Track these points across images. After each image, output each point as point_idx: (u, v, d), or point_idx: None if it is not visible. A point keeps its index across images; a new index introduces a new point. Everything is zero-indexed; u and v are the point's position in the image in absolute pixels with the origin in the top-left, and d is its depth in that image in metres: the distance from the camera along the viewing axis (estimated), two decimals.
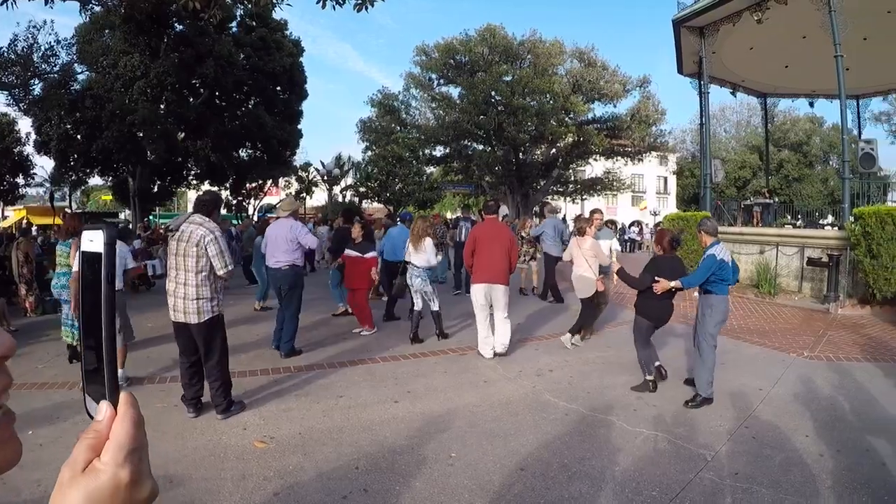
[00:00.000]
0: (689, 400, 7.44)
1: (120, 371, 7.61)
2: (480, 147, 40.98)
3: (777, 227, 21.50)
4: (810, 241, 16.68)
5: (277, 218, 10.22)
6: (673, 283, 7.76)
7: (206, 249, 6.30)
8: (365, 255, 11.01)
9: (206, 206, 6.68)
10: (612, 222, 18.25)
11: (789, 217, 26.58)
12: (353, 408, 6.92)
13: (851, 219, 14.74)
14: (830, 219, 21.88)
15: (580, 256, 10.40)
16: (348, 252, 11.16)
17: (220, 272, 6.43)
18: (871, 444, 6.22)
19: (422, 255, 10.15)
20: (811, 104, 30.04)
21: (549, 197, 42.81)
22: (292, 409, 6.86)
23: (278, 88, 34.00)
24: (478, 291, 9.51)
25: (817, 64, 21.00)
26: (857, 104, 27.98)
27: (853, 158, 17.52)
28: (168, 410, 6.69)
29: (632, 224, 53.89)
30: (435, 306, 10.44)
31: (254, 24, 31.64)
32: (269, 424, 6.33)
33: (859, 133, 27.94)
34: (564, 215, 45.72)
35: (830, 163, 62.01)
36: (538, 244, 15.80)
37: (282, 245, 9.33)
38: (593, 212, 11.43)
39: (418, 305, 10.38)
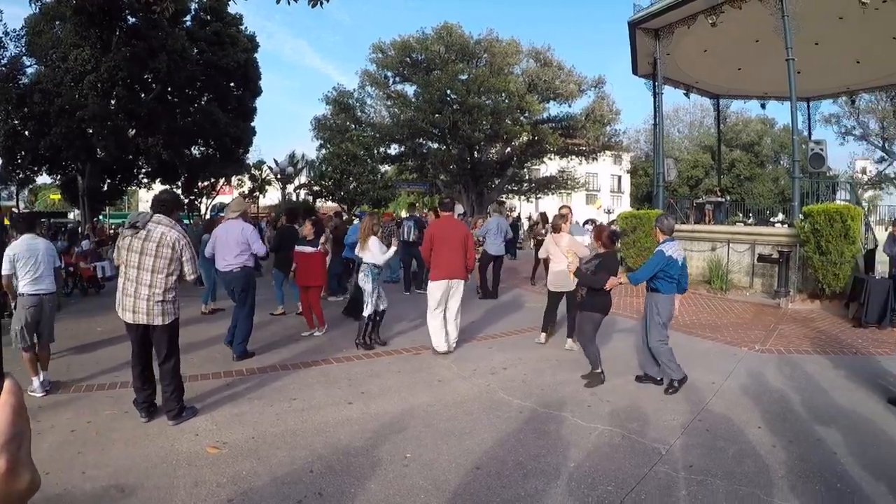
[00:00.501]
0: (668, 388, 7.66)
1: (42, 375, 7.49)
2: (435, 145, 40.89)
3: (729, 224, 21.83)
4: (761, 239, 16.99)
5: (226, 219, 10.00)
6: (622, 280, 7.87)
7: (181, 253, 6.20)
8: (316, 248, 10.93)
9: (167, 205, 6.51)
10: (593, 221, 18.32)
11: (741, 215, 26.97)
12: (307, 410, 6.82)
13: (801, 217, 15.03)
14: (781, 217, 22.24)
15: (558, 253, 10.39)
16: (300, 248, 11.00)
17: (190, 277, 6.36)
18: (821, 434, 6.34)
19: (366, 252, 10.00)
20: (763, 106, 30.48)
21: (504, 196, 42.95)
22: (245, 412, 6.72)
23: (232, 84, 33.42)
24: (438, 287, 9.48)
25: (769, 67, 21.44)
26: (808, 106, 28.53)
27: (803, 158, 17.79)
28: (118, 417, 6.49)
29: (586, 222, 54.11)
30: (369, 309, 9.93)
31: (208, 17, 31.19)
32: (221, 429, 6.20)
33: (809, 134, 28.49)
34: (519, 214, 45.85)
35: (781, 163, 62.88)
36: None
37: (233, 247, 9.15)
38: (561, 208, 11.43)
39: (368, 309, 10.09)
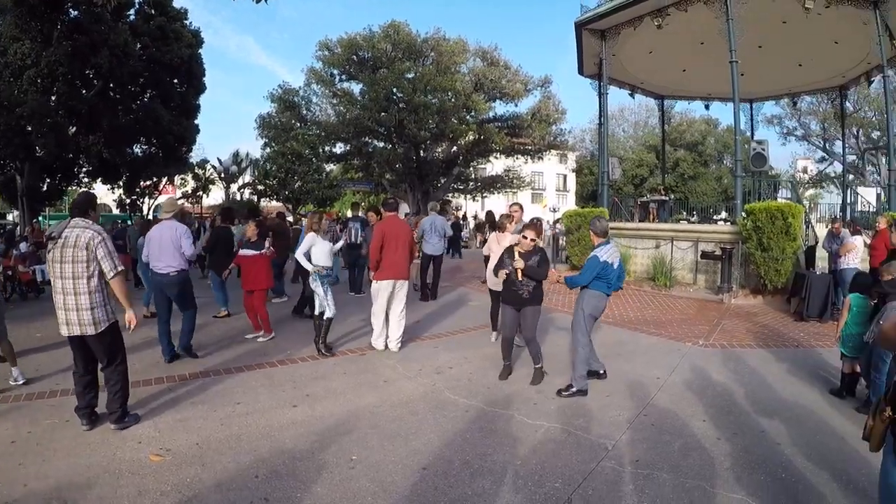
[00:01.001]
0: (563, 389, 7.59)
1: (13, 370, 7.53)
2: (381, 144, 40.70)
3: (673, 222, 22.09)
4: (704, 236, 17.24)
5: (159, 220, 9.63)
6: (560, 275, 7.97)
7: (95, 252, 5.97)
8: (261, 251, 10.69)
9: (80, 206, 6.31)
10: (538, 219, 18.38)
11: (685, 213, 27.30)
12: (251, 414, 6.69)
13: (743, 214, 15.29)
14: (724, 214, 22.63)
15: (499, 252, 10.41)
16: (243, 252, 10.76)
17: (110, 274, 6.07)
18: (765, 426, 6.45)
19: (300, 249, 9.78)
20: (707, 106, 31.05)
21: (451, 195, 42.97)
22: (189, 418, 6.56)
23: (175, 81, 32.64)
24: (385, 287, 9.45)
25: (714, 69, 21.79)
26: (751, 107, 29.12)
27: (745, 158, 18.07)
28: (59, 427, 6.26)
29: (532, 220, 54.33)
30: (329, 312, 9.57)
31: (152, 12, 30.41)
32: (164, 436, 6.03)
33: (752, 134, 29.08)
34: (465, 213, 45.89)
35: (724, 162, 63.85)
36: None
37: (168, 249, 8.89)
38: (512, 206, 11.46)
39: (329, 311, 9.69)
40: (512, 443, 5.93)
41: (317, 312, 9.58)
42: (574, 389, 7.48)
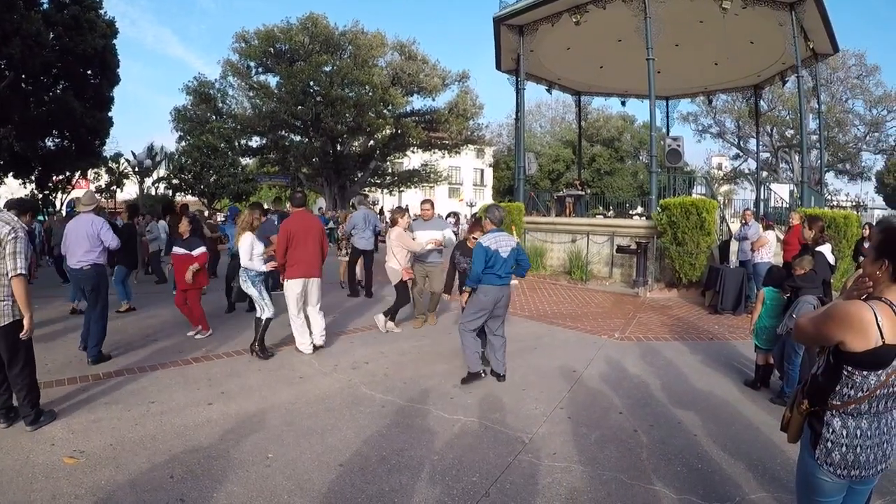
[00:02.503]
0: (465, 379, 7.76)
1: None
2: (298, 138, 40.52)
3: (589, 217, 22.36)
4: (620, 230, 17.49)
5: (78, 212, 9.41)
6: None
7: (4, 247, 5.72)
8: (193, 252, 10.19)
9: (19, 206, 6.12)
10: (455, 214, 18.24)
11: (601, 208, 27.67)
12: (166, 413, 6.55)
13: (658, 209, 15.52)
14: (640, 210, 22.96)
15: (389, 247, 10.62)
16: (176, 250, 10.39)
17: (10, 274, 5.75)
18: (681, 417, 6.58)
19: (243, 252, 9.24)
20: (623, 103, 31.53)
21: (367, 189, 42.86)
22: (102, 419, 6.38)
23: (89, 72, 31.47)
24: (296, 286, 9.15)
25: (631, 66, 22.18)
26: (667, 104, 29.66)
27: (661, 154, 18.42)
28: None
29: (448, 215, 54.65)
30: (268, 312, 9.20)
31: (66, 0, 29.51)
32: (78, 437, 5.86)
33: (668, 131, 29.68)
34: (382, 207, 45.87)
35: (640, 158, 65.00)
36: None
37: (83, 243, 8.67)
38: (423, 203, 11.58)
39: (267, 312, 9.29)
40: (429, 438, 5.93)
41: (265, 316, 9.18)
42: (468, 373, 7.73)
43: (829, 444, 2.96)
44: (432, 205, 11.62)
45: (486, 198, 74.36)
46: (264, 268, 9.19)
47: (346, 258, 15.59)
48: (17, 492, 4.76)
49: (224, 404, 6.88)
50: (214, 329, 10.46)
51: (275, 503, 4.66)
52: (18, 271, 5.76)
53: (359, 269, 15.31)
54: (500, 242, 7.63)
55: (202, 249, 10.29)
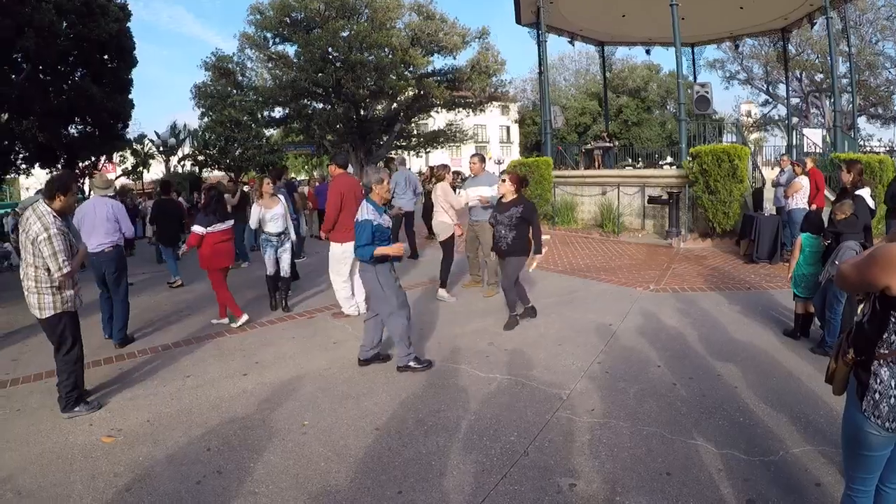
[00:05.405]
0: (400, 366, 7.17)
1: None
2: (320, 105, 40.33)
3: (618, 169, 22.06)
4: (650, 181, 17.21)
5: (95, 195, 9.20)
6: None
7: (41, 249, 5.70)
8: (195, 228, 9.27)
9: (44, 189, 6.09)
10: (458, 173, 18.03)
11: (630, 160, 27.33)
12: (201, 386, 6.59)
13: (689, 158, 15.22)
14: (669, 160, 22.60)
15: (437, 202, 10.42)
16: (196, 229, 9.37)
17: (56, 274, 5.78)
18: (720, 369, 6.44)
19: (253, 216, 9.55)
20: (648, 52, 30.94)
21: (393, 152, 42.70)
22: (138, 396, 6.44)
23: (106, 57, 31.27)
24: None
25: (654, 13, 21.56)
26: (693, 51, 29.09)
27: (689, 101, 18.08)
28: (10, 417, 6.08)
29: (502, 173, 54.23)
30: (275, 268, 9.68)
31: None
32: (115, 416, 5.92)
33: (695, 78, 29.14)
34: (410, 168, 45.73)
35: (668, 108, 63.92)
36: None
37: (102, 226, 8.63)
38: (472, 157, 10.95)
39: (270, 270, 9.73)
40: (465, 397, 5.89)
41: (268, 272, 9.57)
42: (408, 365, 6.85)
43: (877, 396, 2.79)
44: (481, 159, 10.90)
45: (514, 154, 73.82)
46: (275, 230, 9.55)
47: None
48: (58, 473, 4.82)
49: (259, 374, 6.91)
50: (248, 300, 10.45)
51: (312, 470, 4.65)
52: (63, 271, 5.79)
53: None
54: (373, 212, 6.71)
55: (223, 226, 9.34)
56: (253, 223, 9.76)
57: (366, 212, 6.49)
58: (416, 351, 7.14)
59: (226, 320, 9.27)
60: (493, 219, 8.31)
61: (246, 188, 16.97)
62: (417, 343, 7.75)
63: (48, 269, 5.76)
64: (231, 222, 9.56)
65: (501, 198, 8.40)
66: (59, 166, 33.16)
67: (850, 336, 3.02)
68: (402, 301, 6.78)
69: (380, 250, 6.34)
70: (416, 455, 4.77)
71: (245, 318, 9.16)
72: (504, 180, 8.38)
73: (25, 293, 5.87)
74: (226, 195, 13.22)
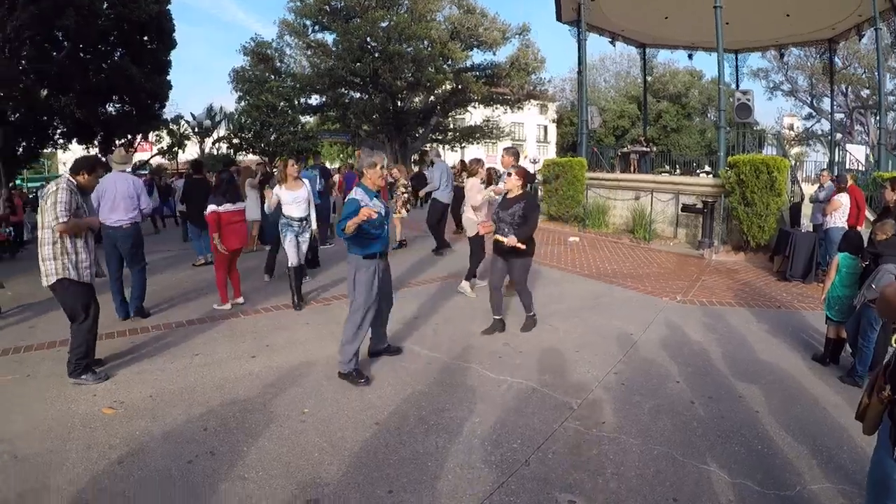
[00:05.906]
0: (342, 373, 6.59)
1: None
2: (357, 95, 40.71)
3: (654, 174, 21.76)
4: (685, 188, 16.89)
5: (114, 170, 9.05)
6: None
7: (47, 203, 5.87)
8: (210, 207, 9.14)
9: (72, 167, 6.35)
10: (493, 170, 17.81)
11: (667, 166, 27.02)
12: (208, 366, 6.59)
13: (727, 167, 14.93)
14: (707, 169, 22.29)
15: (467, 198, 10.27)
16: (210, 207, 9.17)
17: (53, 224, 5.84)
18: (742, 391, 6.18)
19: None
20: (690, 56, 30.53)
21: (429, 145, 42.71)
22: (145, 370, 6.49)
23: (145, 38, 31.94)
24: None
25: (697, 16, 21.15)
26: (736, 58, 28.57)
27: (730, 109, 17.78)
28: (21, 382, 6.22)
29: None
30: (289, 261, 9.36)
31: None
32: (120, 388, 5.97)
33: (737, 86, 28.59)
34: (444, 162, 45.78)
35: (708, 115, 63.31)
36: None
37: (122, 202, 8.56)
38: (504, 149, 10.38)
39: (293, 260, 9.37)
40: (472, 398, 5.76)
41: (291, 264, 9.35)
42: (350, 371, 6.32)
43: None
44: (513, 154, 9.96)
45: (550, 154, 73.50)
46: (297, 214, 9.32)
47: (404, 216, 15.36)
48: (55, 440, 4.93)
49: (267, 357, 6.91)
50: (265, 284, 10.49)
51: (304, 460, 4.61)
52: (59, 220, 5.85)
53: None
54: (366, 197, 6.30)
55: (237, 207, 9.28)
56: (268, 207, 9.55)
57: (354, 193, 6.17)
58: (426, 344, 7.20)
59: (227, 305, 9.18)
60: (496, 216, 7.98)
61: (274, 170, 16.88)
62: (431, 336, 7.79)
63: (52, 229, 5.85)
64: (243, 204, 9.58)
65: (506, 193, 8.10)
66: (96, 143, 33.70)
67: (887, 371, 2.71)
68: (367, 307, 6.35)
69: (350, 223, 5.77)
70: (413, 454, 4.66)
71: (228, 306, 9.13)
72: (510, 174, 8.02)
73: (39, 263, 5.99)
74: (248, 179, 13.47)
